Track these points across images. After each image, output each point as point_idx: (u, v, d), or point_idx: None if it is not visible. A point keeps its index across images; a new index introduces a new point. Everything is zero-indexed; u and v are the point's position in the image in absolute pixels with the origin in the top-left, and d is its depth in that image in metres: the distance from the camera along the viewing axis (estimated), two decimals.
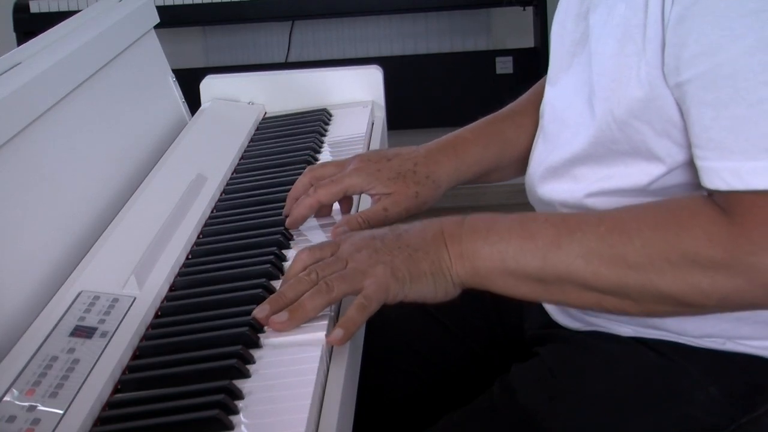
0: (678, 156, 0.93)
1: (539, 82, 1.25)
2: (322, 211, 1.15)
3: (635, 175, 0.96)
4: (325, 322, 0.92)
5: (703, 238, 0.86)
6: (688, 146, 0.91)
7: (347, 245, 0.96)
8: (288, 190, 1.17)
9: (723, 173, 0.85)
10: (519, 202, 1.12)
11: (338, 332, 0.89)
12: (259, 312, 0.92)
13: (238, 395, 0.83)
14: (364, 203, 1.19)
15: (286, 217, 1.13)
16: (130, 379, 0.87)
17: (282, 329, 0.91)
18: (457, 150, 1.19)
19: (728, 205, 0.86)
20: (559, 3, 1.11)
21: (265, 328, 0.93)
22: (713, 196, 0.88)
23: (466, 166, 1.20)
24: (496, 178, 1.25)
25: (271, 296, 0.94)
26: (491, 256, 0.94)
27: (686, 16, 0.86)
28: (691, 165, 0.92)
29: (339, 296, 0.92)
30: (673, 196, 0.94)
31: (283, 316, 0.91)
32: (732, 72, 0.84)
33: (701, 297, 0.87)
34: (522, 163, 1.19)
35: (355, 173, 1.14)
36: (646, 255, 0.88)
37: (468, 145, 1.20)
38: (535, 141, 1.14)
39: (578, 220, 0.93)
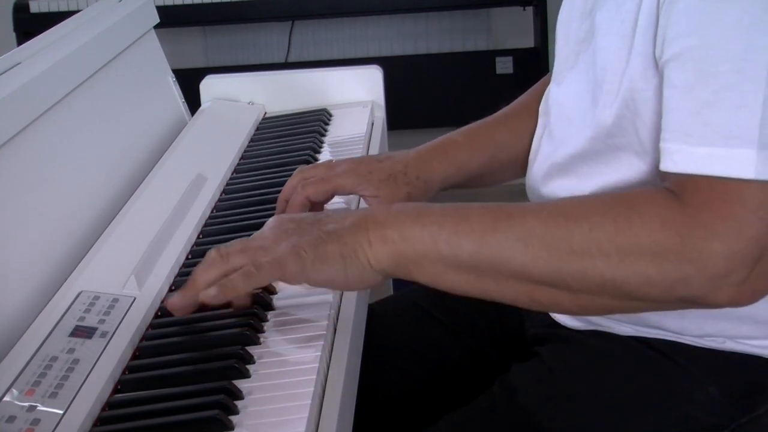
0: None
1: (535, 85, 1.25)
2: (315, 209, 1.14)
3: (631, 171, 0.96)
4: (326, 323, 0.92)
5: (655, 221, 0.83)
6: None
7: (263, 227, 0.94)
8: None
9: (677, 155, 0.84)
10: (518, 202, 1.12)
11: (212, 290, 0.88)
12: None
13: (238, 395, 0.83)
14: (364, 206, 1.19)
15: None
16: (130, 379, 0.87)
17: (176, 307, 0.91)
18: (447, 152, 1.19)
19: (681, 189, 0.84)
20: (562, 2, 1.11)
21: (265, 327, 0.93)
22: (667, 181, 0.86)
23: (456, 168, 1.19)
24: (489, 182, 1.24)
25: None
26: (422, 239, 0.88)
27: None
28: None
29: (234, 266, 0.90)
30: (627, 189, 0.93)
31: (175, 296, 0.91)
32: (702, 56, 0.83)
33: (646, 285, 0.84)
34: (516, 166, 1.19)
35: (346, 174, 1.13)
36: (593, 239, 0.85)
37: (458, 148, 1.20)
38: (538, 140, 1.14)
39: (517, 206, 0.90)
